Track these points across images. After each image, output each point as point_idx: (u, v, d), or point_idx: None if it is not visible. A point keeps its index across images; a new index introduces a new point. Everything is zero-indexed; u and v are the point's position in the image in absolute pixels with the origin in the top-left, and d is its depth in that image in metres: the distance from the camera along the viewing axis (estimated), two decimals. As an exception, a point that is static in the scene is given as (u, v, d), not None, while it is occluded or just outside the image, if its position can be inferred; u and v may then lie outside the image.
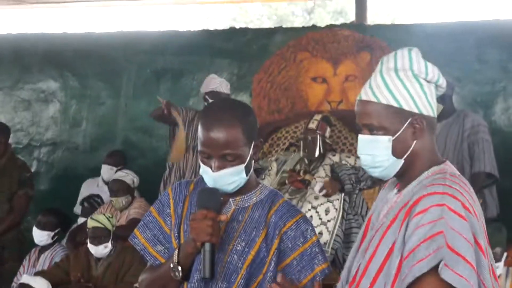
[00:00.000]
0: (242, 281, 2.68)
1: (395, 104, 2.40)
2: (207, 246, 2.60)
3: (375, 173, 2.48)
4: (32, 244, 7.11)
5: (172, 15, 25.32)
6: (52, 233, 6.95)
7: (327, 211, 6.29)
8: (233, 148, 2.66)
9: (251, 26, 20.95)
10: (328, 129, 7.02)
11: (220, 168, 2.67)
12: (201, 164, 2.72)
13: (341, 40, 8.74)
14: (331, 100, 8.57)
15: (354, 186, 6.55)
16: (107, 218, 6.35)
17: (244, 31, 9.65)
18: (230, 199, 2.79)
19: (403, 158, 2.43)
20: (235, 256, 2.70)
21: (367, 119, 2.44)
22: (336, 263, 6.17)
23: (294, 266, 2.72)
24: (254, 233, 2.74)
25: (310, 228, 2.80)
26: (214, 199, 2.68)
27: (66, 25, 21.99)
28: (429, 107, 2.44)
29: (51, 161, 9.66)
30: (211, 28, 9.98)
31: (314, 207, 6.32)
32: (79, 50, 9.64)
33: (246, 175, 2.74)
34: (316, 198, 6.41)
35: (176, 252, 2.68)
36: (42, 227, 6.93)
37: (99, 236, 6.24)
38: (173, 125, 7.65)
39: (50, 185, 9.35)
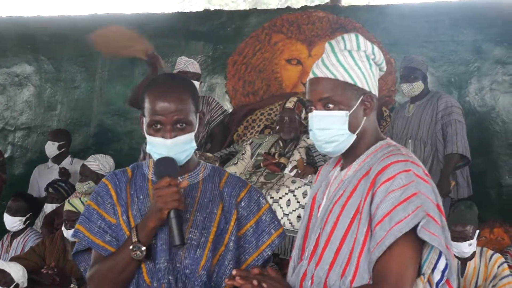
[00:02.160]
0: (210, 254, 2.70)
1: (350, 81, 2.54)
2: (173, 213, 2.61)
3: (328, 148, 2.57)
4: (5, 228, 7.08)
5: (148, -2, 25.19)
6: (23, 218, 6.92)
7: (304, 194, 6.29)
8: (185, 115, 2.70)
9: (226, 8, 20.88)
10: (304, 111, 7.03)
11: (173, 136, 2.69)
12: (150, 137, 2.73)
13: (315, 22, 8.74)
14: (306, 81, 8.55)
15: (329, 167, 6.56)
16: (82, 202, 6.32)
17: (219, 13, 9.62)
18: (179, 177, 2.79)
19: (356, 133, 2.55)
20: (196, 231, 2.72)
21: (325, 94, 2.54)
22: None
23: (251, 233, 2.78)
24: (210, 206, 2.77)
25: (261, 195, 2.87)
26: (173, 167, 2.70)
27: (41, 9, 21.85)
28: (376, 87, 2.62)
29: (26, 145, 9.62)
30: (186, 10, 9.97)
31: (291, 191, 6.31)
32: (53, 34, 9.58)
33: (195, 144, 2.78)
34: (294, 182, 6.40)
35: (134, 231, 2.67)
36: (13, 213, 6.90)
37: (72, 219, 6.20)
38: None
39: (24, 170, 9.31)
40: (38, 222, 7.55)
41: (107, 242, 2.79)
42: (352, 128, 2.54)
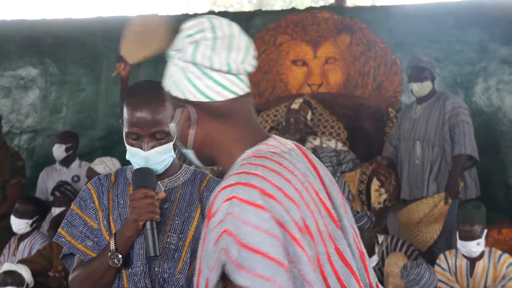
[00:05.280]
0: (187, 257, 2.68)
1: (167, 90, 2.09)
2: (148, 224, 2.60)
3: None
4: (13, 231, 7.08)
5: (152, 0, 25.21)
6: (30, 221, 6.91)
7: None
8: (162, 126, 2.66)
9: (231, 9, 20.89)
10: (310, 112, 7.02)
11: (150, 147, 2.67)
12: (128, 147, 2.71)
13: (320, 23, 8.73)
14: (311, 83, 8.56)
15: (336, 169, 6.55)
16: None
17: (224, 15, 9.60)
18: (159, 182, 2.78)
19: (191, 148, 2.08)
20: (174, 235, 2.70)
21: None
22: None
23: None
24: (189, 210, 2.74)
25: None
26: (150, 178, 2.68)
27: (46, 11, 21.88)
28: (196, 92, 2.01)
29: (32, 148, 9.62)
30: (191, 12, 9.96)
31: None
32: (58, 37, 9.59)
33: (174, 152, 2.76)
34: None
35: (113, 240, 2.66)
36: (20, 215, 6.89)
37: (79, 222, 6.21)
38: None
39: (31, 173, 9.29)
40: (45, 225, 7.55)
41: (88, 247, 2.77)
42: (182, 142, 2.09)
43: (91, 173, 7.12)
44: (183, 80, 2.02)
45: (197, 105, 2.02)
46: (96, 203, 2.81)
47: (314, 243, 1.87)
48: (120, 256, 2.64)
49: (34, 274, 6.14)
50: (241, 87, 2.03)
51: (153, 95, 2.68)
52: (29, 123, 9.67)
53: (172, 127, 2.10)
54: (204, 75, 2.00)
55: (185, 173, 2.85)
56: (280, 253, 1.77)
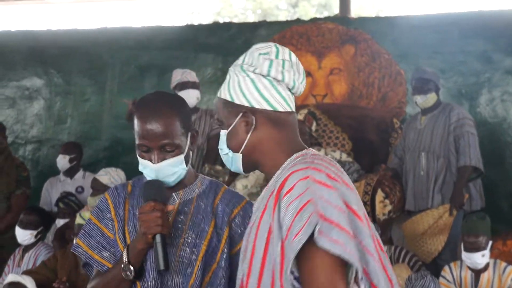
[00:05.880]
0: (200, 272, 2.67)
1: (229, 99, 2.41)
2: (158, 238, 2.60)
3: (228, 166, 2.49)
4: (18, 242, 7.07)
5: (156, 11, 25.28)
6: (35, 232, 6.91)
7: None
8: (171, 138, 2.68)
9: (235, 20, 20.92)
10: (314, 123, 7.01)
11: (160, 159, 2.68)
12: (140, 159, 2.73)
13: (325, 33, 8.74)
14: (316, 93, 8.56)
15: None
16: (94, 215, 6.31)
17: (229, 25, 9.63)
18: (173, 194, 2.79)
19: (240, 151, 2.41)
20: (187, 249, 2.69)
21: (217, 114, 2.48)
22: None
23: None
24: (203, 223, 2.73)
25: None
26: (160, 191, 2.69)
27: (50, 22, 21.93)
28: (262, 101, 2.39)
29: (36, 158, 9.63)
30: (195, 23, 9.98)
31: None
32: (63, 47, 9.61)
33: (186, 165, 2.75)
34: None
35: (125, 252, 2.67)
36: (25, 226, 6.89)
37: (82, 233, 6.22)
38: None
39: (35, 183, 9.29)
40: (50, 236, 7.55)
41: (105, 258, 2.78)
42: (232, 146, 2.42)
43: (95, 184, 7.11)
44: (252, 90, 2.39)
45: (260, 112, 2.38)
46: (113, 213, 2.82)
47: (362, 222, 2.24)
48: (132, 268, 2.65)
49: (38, 285, 6.12)
50: (293, 105, 2.44)
51: (163, 107, 2.71)
52: (34, 133, 9.69)
53: (223, 134, 2.42)
54: (272, 87, 2.39)
55: (201, 184, 2.85)
56: (348, 225, 2.13)
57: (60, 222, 7.38)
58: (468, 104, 8.17)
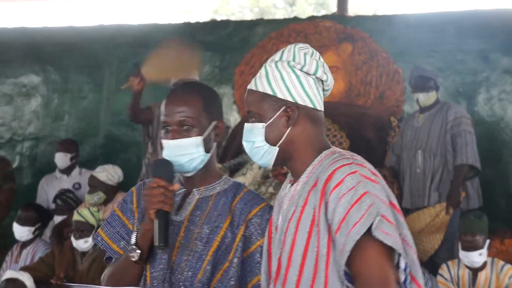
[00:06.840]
0: (208, 267, 2.66)
1: (270, 92, 2.51)
2: (159, 214, 2.60)
3: (255, 160, 2.58)
4: (15, 238, 7.08)
5: (154, 8, 25.25)
6: (33, 228, 6.93)
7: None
8: (189, 115, 2.70)
9: (232, 18, 20.93)
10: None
11: (176, 137, 2.70)
12: (162, 141, 2.76)
13: (322, 32, 8.74)
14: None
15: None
16: (91, 212, 6.32)
17: (226, 23, 9.64)
18: (194, 189, 2.80)
19: (278, 145, 2.51)
20: (200, 244, 2.69)
21: (248, 106, 2.56)
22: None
23: (259, 254, 2.68)
24: (218, 220, 2.72)
25: None
26: (167, 169, 2.69)
27: (47, 19, 21.91)
28: (306, 98, 2.52)
29: (34, 155, 9.62)
30: (193, 21, 9.96)
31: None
32: (60, 44, 9.60)
33: (206, 152, 2.75)
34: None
35: (134, 234, 2.69)
36: (23, 222, 6.91)
37: (81, 230, 6.22)
38: (147, 124, 7.23)
39: (33, 180, 9.31)
40: (48, 232, 7.55)
41: (122, 248, 2.81)
42: (270, 139, 2.51)
43: (93, 181, 7.11)
44: (298, 86, 2.51)
45: (302, 108, 2.51)
46: (135, 205, 2.85)
47: (401, 215, 2.40)
48: (138, 251, 2.65)
49: (36, 282, 6.13)
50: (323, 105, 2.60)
51: (188, 89, 2.78)
52: (31, 130, 9.68)
53: (260, 127, 2.51)
54: (315, 86, 2.54)
55: (224, 184, 2.84)
56: (392, 218, 2.30)
57: (58, 218, 7.39)
58: (466, 103, 8.17)
